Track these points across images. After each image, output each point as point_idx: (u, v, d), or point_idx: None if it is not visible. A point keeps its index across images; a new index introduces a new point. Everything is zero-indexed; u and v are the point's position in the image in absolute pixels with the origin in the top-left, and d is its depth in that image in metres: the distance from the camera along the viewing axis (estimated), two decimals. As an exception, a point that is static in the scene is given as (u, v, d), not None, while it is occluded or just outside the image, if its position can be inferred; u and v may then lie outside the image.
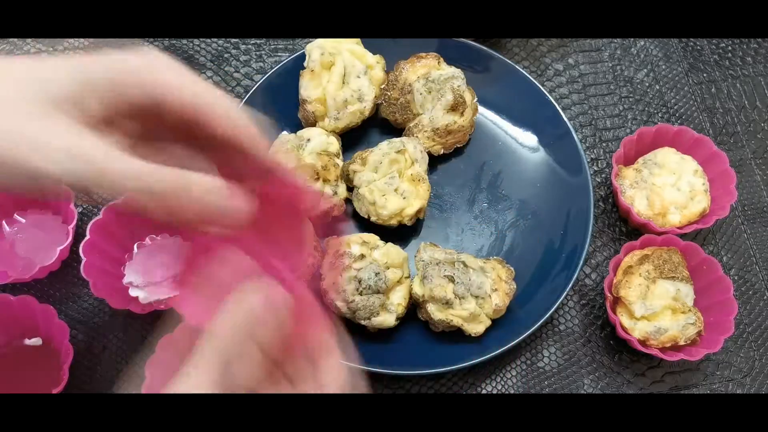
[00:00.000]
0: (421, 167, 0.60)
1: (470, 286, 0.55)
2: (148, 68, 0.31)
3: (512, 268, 0.58)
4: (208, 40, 0.70)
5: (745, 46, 0.75)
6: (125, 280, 0.59)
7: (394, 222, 0.59)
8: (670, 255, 0.59)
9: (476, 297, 0.55)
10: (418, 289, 0.55)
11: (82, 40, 0.69)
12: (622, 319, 0.58)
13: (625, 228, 0.66)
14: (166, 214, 0.30)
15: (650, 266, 0.58)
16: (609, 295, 0.59)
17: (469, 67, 0.66)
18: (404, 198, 0.58)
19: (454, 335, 0.57)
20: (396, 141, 0.60)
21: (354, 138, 0.65)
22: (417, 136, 0.62)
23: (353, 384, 0.33)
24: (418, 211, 0.59)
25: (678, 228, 0.61)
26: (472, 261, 0.57)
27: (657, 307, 0.56)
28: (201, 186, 0.31)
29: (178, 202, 0.30)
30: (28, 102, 0.30)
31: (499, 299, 0.56)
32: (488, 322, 0.56)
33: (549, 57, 0.73)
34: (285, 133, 0.64)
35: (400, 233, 0.61)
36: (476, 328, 0.56)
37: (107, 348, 0.58)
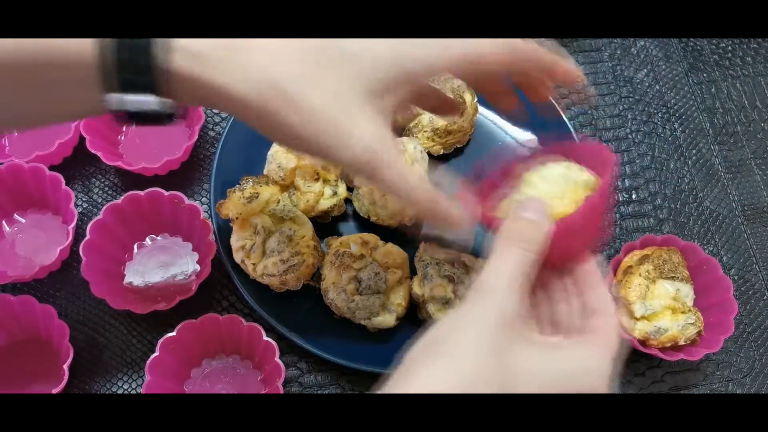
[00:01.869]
0: (421, 167, 0.60)
1: (470, 286, 0.55)
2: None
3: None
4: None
5: (745, 46, 0.75)
6: (125, 280, 0.59)
7: (393, 222, 0.59)
8: (670, 255, 0.59)
9: (476, 297, 0.55)
10: (418, 289, 0.55)
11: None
12: (622, 319, 0.58)
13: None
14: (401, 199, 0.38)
15: (650, 266, 0.58)
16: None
17: (469, 67, 0.66)
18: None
19: (454, 335, 0.56)
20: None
21: (354, 138, 0.65)
22: (417, 136, 0.62)
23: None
24: (419, 211, 0.59)
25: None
26: (472, 261, 0.57)
27: (657, 307, 0.56)
28: (446, 208, 0.39)
29: (425, 209, 0.39)
30: (349, 89, 0.34)
31: (499, 299, 0.56)
32: (488, 322, 0.56)
33: (549, 57, 0.73)
34: (285, 133, 0.64)
35: (400, 233, 0.61)
36: (476, 328, 0.56)
37: (107, 348, 0.58)
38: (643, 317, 0.57)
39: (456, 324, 0.35)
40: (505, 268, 0.36)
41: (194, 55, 0.34)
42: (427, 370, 0.33)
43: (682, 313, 0.57)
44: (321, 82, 0.34)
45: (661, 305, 0.56)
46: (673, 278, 0.57)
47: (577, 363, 0.36)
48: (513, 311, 0.35)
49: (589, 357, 0.36)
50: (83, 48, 0.33)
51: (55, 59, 0.33)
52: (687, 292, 0.58)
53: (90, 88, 0.34)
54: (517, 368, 0.34)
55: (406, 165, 0.37)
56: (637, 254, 0.59)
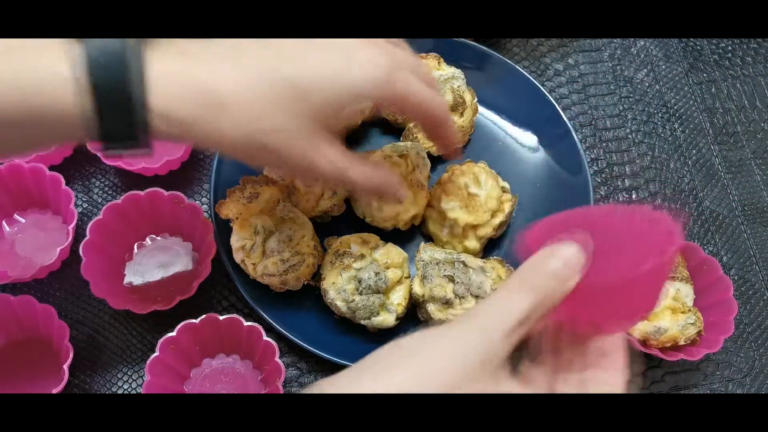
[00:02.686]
0: (422, 174, 0.59)
1: (470, 286, 0.55)
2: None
3: (512, 268, 0.58)
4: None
5: (745, 46, 0.75)
6: (125, 280, 0.59)
7: (388, 225, 0.59)
8: (670, 255, 0.59)
9: (476, 297, 0.55)
10: (418, 289, 0.55)
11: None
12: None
13: (625, 228, 0.66)
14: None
15: (650, 266, 0.58)
16: (609, 295, 0.59)
17: (469, 67, 0.66)
18: (400, 203, 0.58)
19: (454, 335, 0.56)
20: (400, 145, 0.60)
21: (354, 138, 0.65)
22: (417, 136, 0.62)
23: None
24: (414, 218, 0.59)
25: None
26: (472, 261, 0.57)
27: (657, 307, 0.56)
28: (396, 187, 0.49)
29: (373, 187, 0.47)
30: (308, 125, 0.41)
31: (499, 299, 0.56)
32: (488, 322, 0.56)
33: (549, 57, 0.73)
34: (285, 133, 0.63)
35: (400, 233, 0.61)
36: (476, 328, 0.55)
37: (107, 348, 0.58)
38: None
39: (430, 339, 0.36)
40: (506, 310, 0.33)
41: (171, 119, 0.38)
42: (388, 370, 0.34)
43: (682, 313, 0.57)
44: (287, 127, 0.41)
45: (661, 305, 0.56)
46: (672, 278, 0.57)
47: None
48: (497, 355, 0.33)
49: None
50: (66, 111, 0.36)
51: (39, 119, 0.36)
52: (687, 292, 0.58)
53: (73, 138, 0.41)
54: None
55: (356, 161, 0.45)
56: (637, 254, 0.59)
